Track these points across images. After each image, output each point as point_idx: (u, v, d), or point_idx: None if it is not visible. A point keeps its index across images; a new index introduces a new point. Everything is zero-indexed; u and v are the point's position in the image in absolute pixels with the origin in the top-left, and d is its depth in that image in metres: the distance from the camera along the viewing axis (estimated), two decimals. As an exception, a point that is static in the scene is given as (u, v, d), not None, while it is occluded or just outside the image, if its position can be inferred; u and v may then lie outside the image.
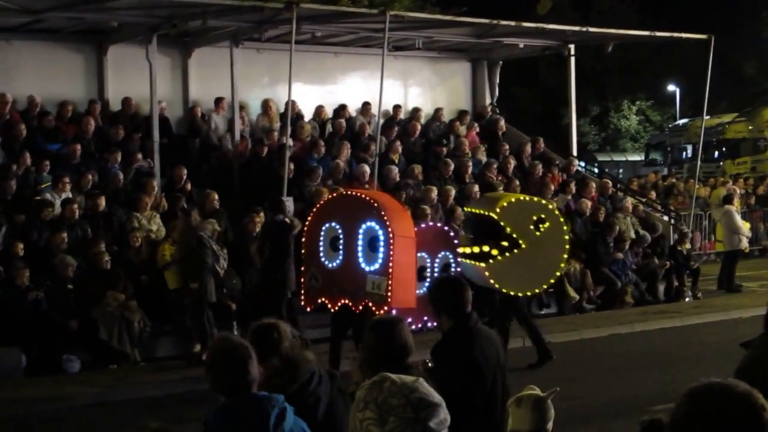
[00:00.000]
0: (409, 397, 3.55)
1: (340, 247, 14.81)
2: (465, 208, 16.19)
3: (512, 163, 24.20)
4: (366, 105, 24.25)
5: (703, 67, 24.11)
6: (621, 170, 57.04)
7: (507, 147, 25.07)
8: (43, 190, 18.83)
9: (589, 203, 23.24)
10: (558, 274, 16.33)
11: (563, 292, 20.93)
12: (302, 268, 15.57)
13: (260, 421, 5.04)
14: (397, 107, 24.78)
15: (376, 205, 14.62)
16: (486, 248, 14.64)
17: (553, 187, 23.59)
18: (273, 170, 20.73)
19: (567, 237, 15.61)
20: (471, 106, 26.71)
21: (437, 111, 25.66)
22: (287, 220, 17.28)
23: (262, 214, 18.78)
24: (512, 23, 23.39)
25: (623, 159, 62.62)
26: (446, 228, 16.32)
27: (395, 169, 22.21)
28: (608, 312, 21.24)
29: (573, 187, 24.03)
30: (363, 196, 15.38)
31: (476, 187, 22.41)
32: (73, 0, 19.01)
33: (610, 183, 26.18)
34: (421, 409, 3.53)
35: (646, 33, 26.80)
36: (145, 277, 17.65)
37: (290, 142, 20.63)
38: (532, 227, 14.67)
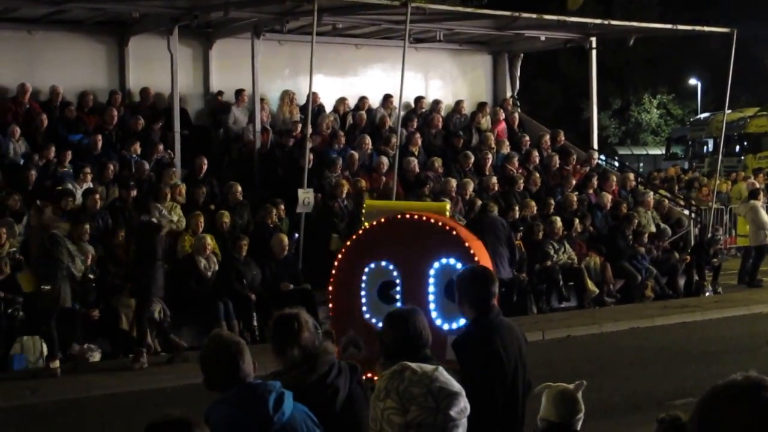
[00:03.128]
0: (430, 386, 3.56)
1: (397, 296, 10.64)
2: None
3: (536, 156, 24.19)
4: (387, 97, 24.25)
5: (726, 61, 24.01)
6: (641, 164, 56.83)
7: (528, 140, 25.06)
8: (65, 180, 18.89)
9: (610, 197, 23.22)
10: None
11: (583, 286, 20.90)
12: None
13: (259, 407, 5.09)
14: (419, 99, 24.77)
15: (454, 233, 10.52)
16: None
17: (574, 181, 23.58)
18: (294, 162, 20.78)
19: None
20: (492, 99, 26.68)
21: (458, 104, 25.64)
22: (154, 220, 16.38)
23: (282, 206, 18.86)
24: (533, 16, 23.34)
25: (644, 153, 62.41)
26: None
27: (415, 162, 22.23)
28: (628, 306, 21.21)
29: (595, 181, 24.01)
30: (432, 220, 10.71)
31: (494, 179, 22.44)
32: (95, -9, 19.08)
33: (632, 177, 26.13)
34: (442, 398, 3.54)
35: (668, 26, 26.76)
36: (166, 266, 17.69)
37: (310, 131, 20.61)
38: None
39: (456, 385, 3.67)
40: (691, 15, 45.46)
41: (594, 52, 25.95)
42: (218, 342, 5.50)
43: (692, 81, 62.56)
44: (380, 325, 8.79)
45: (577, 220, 21.84)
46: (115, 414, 13.23)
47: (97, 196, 18.21)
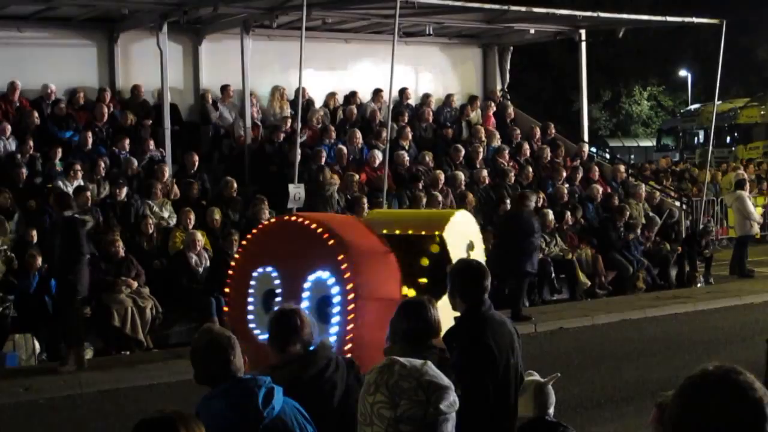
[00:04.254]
0: (420, 379, 3.57)
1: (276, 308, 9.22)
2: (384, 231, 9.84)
3: (527, 148, 24.23)
4: (377, 91, 24.26)
5: (715, 52, 24.04)
6: (633, 156, 56.95)
7: (519, 132, 25.10)
8: (55, 177, 18.88)
9: (600, 188, 23.27)
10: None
11: (575, 278, 20.94)
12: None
13: (248, 402, 5.11)
14: (404, 90, 24.74)
15: (331, 242, 8.63)
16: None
17: (564, 173, 23.63)
18: (284, 157, 20.79)
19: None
20: (482, 92, 26.71)
21: (448, 97, 25.67)
22: (76, 215, 15.80)
23: (265, 203, 18.87)
24: (523, 9, 23.37)
25: (635, 144, 62.54)
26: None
27: (406, 155, 22.26)
28: (620, 297, 21.25)
29: (581, 172, 24.08)
30: (313, 225, 8.90)
31: (485, 172, 22.47)
32: (84, -13, 19.06)
33: (623, 168, 26.18)
34: (432, 392, 3.55)
35: (658, 18, 26.77)
36: (157, 262, 17.70)
37: (300, 126, 20.59)
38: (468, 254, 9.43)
39: (445, 379, 3.68)
40: (681, 5, 45.49)
41: (584, 44, 25.97)
42: (209, 336, 5.51)
43: (682, 72, 62.64)
44: (262, 335, 8.08)
45: (568, 213, 21.88)
46: (108, 411, 13.22)
47: (88, 193, 18.18)
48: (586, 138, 26.91)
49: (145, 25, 21.03)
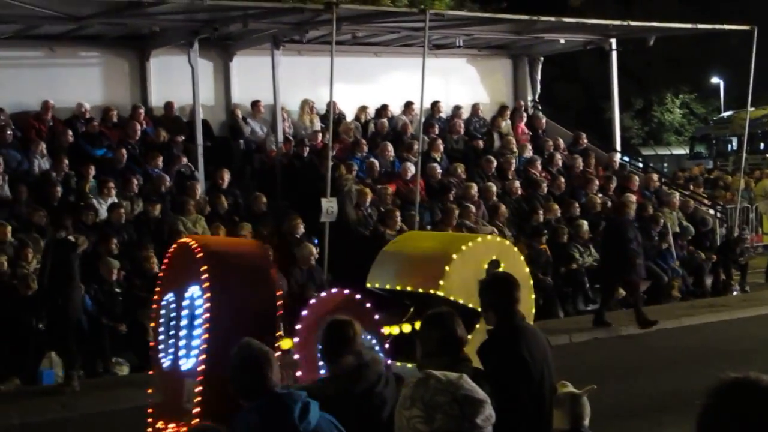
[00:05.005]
0: (456, 394, 3.56)
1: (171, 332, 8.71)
2: (368, 285, 9.87)
3: (558, 158, 24.19)
4: (408, 104, 24.28)
5: (747, 59, 23.92)
6: (665, 164, 56.65)
7: (551, 143, 25.04)
8: (89, 195, 19.02)
9: (634, 197, 23.15)
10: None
11: (609, 288, 20.83)
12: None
13: (284, 417, 5.14)
14: (435, 103, 24.76)
15: (200, 255, 8.28)
16: (408, 329, 9.00)
17: (597, 183, 23.56)
18: (316, 171, 20.83)
19: (527, 270, 10.00)
20: (513, 103, 26.67)
21: (478, 108, 25.66)
22: (71, 237, 15.71)
23: (299, 218, 18.89)
24: (552, 19, 23.35)
25: (668, 153, 62.18)
26: (359, 296, 8.83)
27: (438, 167, 22.27)
28: (655, 306, 21.12)
29: (615, 181, 24.00)
30: (192, 242, 8.68)
31: (517, 183, 22.44)
32: (115, 6, 19.17)
33: (656, 177, 26.07)
34: (468, 406, 3.54)
35: (688, 26, 26.65)
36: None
37: (331, 140, 20.62)
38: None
39: (481, 393, 3.67)
40: (712, 12, 45.29)
41: (614, 53, 25.91)
42: (247, 351, 5.54)
43: (714, 79, 62.28)
44: (165, 361, 8.20)
45: (603, 223, 21.80)
46: (144, 427, 13.26)
47: (122, 210, 18.31)
48: (618, 147, 26.82)
49: (176, 42, 21.15)
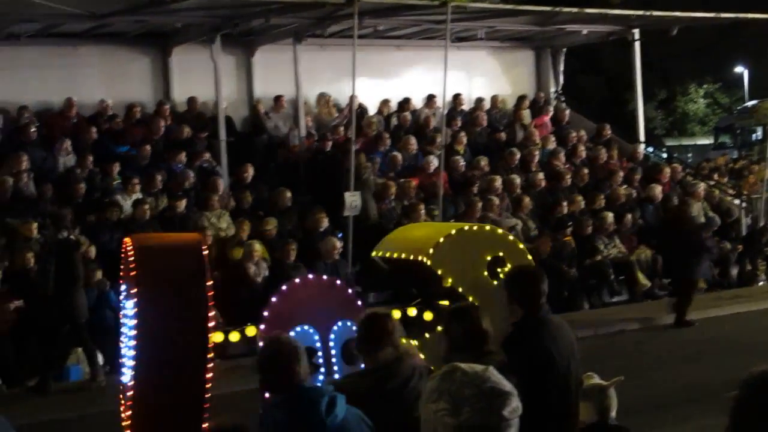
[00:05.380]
0: (482, 386, 3.55)
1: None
2: (374, 254, 9.84)
3: (582, 150, 24.10)
4: (430, 97, 24.24)
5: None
6: (690, 154, 56.38)
7: (575, 135, 24.96)
8: (113, 192, 19.09)
9: (660, 188, 23.05)
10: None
11: (634, 280, 20.78)
12: None
13: (311, 410, 5.15)
14: (457, 96, 24.71)
15: (131, 256, 7.74)
16: (413, 312, 8.79)
17: (621, 174, 23.47)
18: (338, 165, 20.82)
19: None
20: (536, 95, 26.59)
21: (501, 101, 25.61)
22: (72, 237, 15.69)
23: (324, 212, 18.91)
24: (574, 10, 23.26)
25: (692, 143, 61.90)
26: (339, 282, 8.75)
27: (461, 160, 22.23)
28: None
29: (639, 172, 23.90)
30: (127, 242, 8.21)
31: (541, 175, 22.37)
32: (137, 3, 19.20)
33: (680, 168, 25.96)
34: (494, 398, 3.53)
35: (711, 15, 26.48)
36: (216, 273, 17.75)
37: (354, 134, 20.61)
38: (485, 274, 8.84)
39: (508, 385, 3.66)
40: (735, 1, 45.02)
41: (637, 43, 25.82)
42: (275, 346, 5.56)
43: (738, 69, 61.95)
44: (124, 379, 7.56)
45: (628, 215, 21.73)
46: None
47: (146, 206, 18.36)
48: (642, 138, 26.71)
49: (197, 38, 21.17)
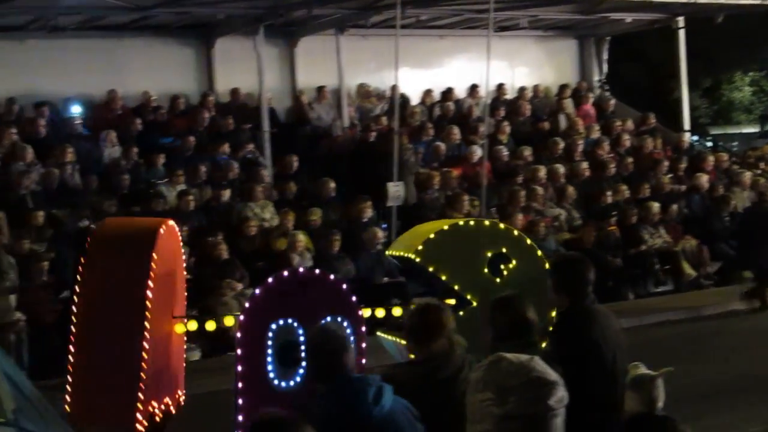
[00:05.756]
0: (528, 376, 3.54)
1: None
2: (387, 252, 10.09)
3: (626, 139, 23.94)
4: (473, 87, 24.17)
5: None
6: (735, 143, 55.88)
7: (619, 124, 24.78)
8: (158, 183, 19.20)
9: (705, 177, 22.86)
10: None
11: (679, 270, 20.62)
12: None
13: (358, 400, 5.15)
14: (501, 85, 24.64)
15: (89, 243, 8.31)
16: (399, 312, 8.73)
17: (666, 164, 23.30)
18: (381, 156, 20.79)
19: (549, 282, 7.86)
20: (579, 84, 26.46)
21: (544, 90, 25.51)
22: (93, 226, 15.59)
23: (369, 202, 18.91)
24: (618, -2, 23.14)
25: (737, 131, 61.37)
26: (332, 277, 8.29)
27: (504, 150, 22.16)
28: (726, 288, 20.85)
29: (685, 161, 23.71)
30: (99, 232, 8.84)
31: (584, 164, 22.25)
32: (180, -5, 19.31)
33: (725, 157, 25.74)
34: (540, 387, 3.51)
35: (757, 2, 26.24)
36: (261, 264, 17.82)
37: (397, 124, 20.57)
38: (486, 271, 8.54)
39: (553, 375, 3.64)
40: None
41: (682, 31, 25.61)
42: (324, 335, 5.58)
43: (785, 56, 61.35)
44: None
45: (674, 205, 21.56)
46: (215, 413, 13.36)
47: (191, 197, 18.45)
48: (687, 127, 26.51)
49: (240, 29, 21.24)
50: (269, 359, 7.74)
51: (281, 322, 7.74)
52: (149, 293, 7.63)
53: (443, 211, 19.61)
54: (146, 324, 7.57)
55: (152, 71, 21.59)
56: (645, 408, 6.60)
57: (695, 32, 26.97)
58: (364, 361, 7.73)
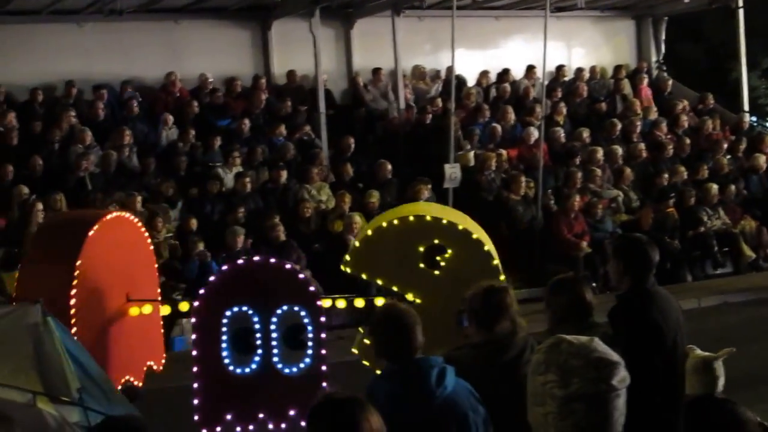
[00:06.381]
0: (590, 356, 3.54)
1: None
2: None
3: (684, 120, 23.70)
4: (530, 68, 24.04)
5: None
6: (795, 124, 55.21)
7: (677, 104, 24.53)
8: (215, 165, 19.31)
9: (764, 158, 22.60)
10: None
11: (739, 251, 20.43)
12: None
13: (421, 381, 5.17)
14: (560, 67, 24.51)
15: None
16: (361, 303, 8.76)
17: (725, 145, 23.07)
18: (438, 137, 20.77)
19: (495, 262, 8.54)
20: (636, 65, 26.25)
21: (601, 71, 25.32)
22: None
23: (427, 184, 18.89)
24: (676, -23, 22.91)
25: (797, 112, 60.63)
26: (290, 266, 8.46)
27: (561, 132, 22.05)
28: (784, 270, 20.67)
29: (744, 142, 23.45)
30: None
31: (642, 146, 22.09)
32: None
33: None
34: (603, 368, 3.51)
35: (819, -20, 25.91)
36: (317, 246, 17.87)
37: (453, 105, 20.49)
38: (422, 265, 8.43)
39: (615, 355, 3.64)
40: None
41: (741, 11, 25.32)
42: (392, 313, 5.58)
43: None
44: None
45: (732, 186, 21.35)
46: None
47: (248, 179, 18.54)
48: (746, 107, 26.22)
49: (297, 11, 21.26)
50: (224, 345, 7.91)
51: (236, 309, 7.93)
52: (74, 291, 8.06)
53: (499, 194, 19.59)
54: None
55: (209, 54, 21.68)
56: (705, 390, 6.58)
57: (754, 11, 26.62)
58: (323, 351, 7.99)
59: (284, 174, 19.05)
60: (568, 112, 23.24)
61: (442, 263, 8.19)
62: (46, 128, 19.14)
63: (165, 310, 8.56)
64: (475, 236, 8.46)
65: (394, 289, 8.35)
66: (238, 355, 7.92)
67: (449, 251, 8.28)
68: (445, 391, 5.23)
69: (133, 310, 8.78)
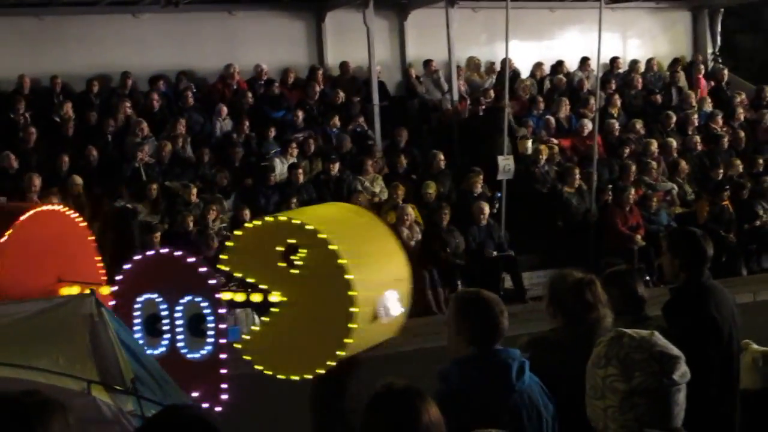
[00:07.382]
0: (652, 350, 3.54)
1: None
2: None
3: (741, 112, 23.47)
4: (584, 60, 23.90)
5: None
6: None
7: (734, 97, 24.29)
8: (270, 156, 19.39)
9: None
10: (352, 326, 7.59)
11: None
12: None
13: (503, 373, 5.19)
14: (614, 59, 24.35)
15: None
16: (259, 298, 8.53)
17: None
18: (492, 129, 20.72)
19: (341, 261, 7.93)
20: (693, 56, 26.02)
21: (650, 61, 25.10)
22: (129, 206, 15.78)
23: (481, 175, 18.87)
24: (734, -32, 22.68)
25: None
26: (192, 259, 8.73)
27: (616, 124, 21.92)
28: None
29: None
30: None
31: (698, 138, 21.92)
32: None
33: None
34: (665, 362, 3.51)
35: None
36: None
37: (508, 97, 20.41)
38: (283, 264, 8.13)
39: (675, 349, 3.64)
40: None
41: (800, 1, 25.06)
42: (484, 297, 5.52)
43: None
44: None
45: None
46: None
47: (301, 170, 18.61)
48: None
49: (351, 2, 21.29)
50: (137, 328, 8.38)
51: (146, 295, 8.46)
52: None
53: (554, 186, 19.53)
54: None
55: (264, 45, 21.75)
56: (761, 385, 6.54)
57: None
58: (223, 340, 8.32)
59: (337, 165, 19.08)
60: (622, 104, 23.10)
61: (298, 262, 8.08)
62: (101, 119, 19.27)
63: (104, 290, 8.83)
64: (321, 236, 8.16)
65: (265, 286, 8.29)
66: (149, 337, 8.46)
67: (303, 251, 8.15)
68: (523, 384, 5.30)
69: (64, 291, 9.16)
